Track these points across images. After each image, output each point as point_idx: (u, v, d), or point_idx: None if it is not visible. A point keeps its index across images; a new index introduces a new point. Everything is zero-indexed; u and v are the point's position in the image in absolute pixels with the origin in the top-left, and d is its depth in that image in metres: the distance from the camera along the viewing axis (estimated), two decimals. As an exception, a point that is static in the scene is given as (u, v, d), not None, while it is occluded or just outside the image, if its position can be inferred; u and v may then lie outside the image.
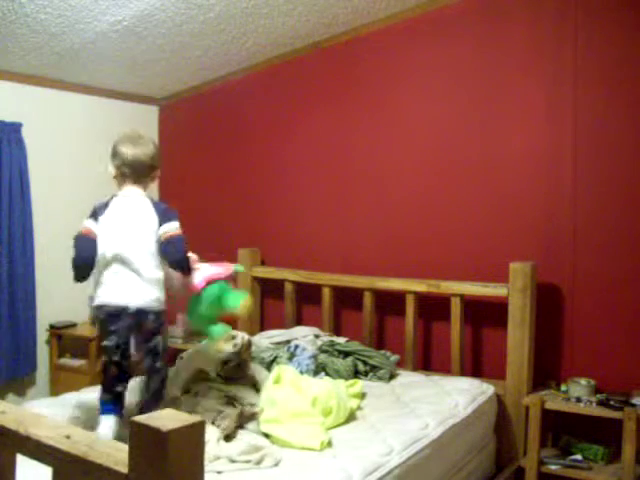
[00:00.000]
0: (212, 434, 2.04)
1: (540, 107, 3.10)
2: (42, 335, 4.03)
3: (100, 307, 2.12)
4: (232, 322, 4.03)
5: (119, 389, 2.14)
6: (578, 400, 2.73)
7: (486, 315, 3.26)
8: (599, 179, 2.95)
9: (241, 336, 2.87)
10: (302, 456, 2.04)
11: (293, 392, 2.44)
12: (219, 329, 2.25)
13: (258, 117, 4.19)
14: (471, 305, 3.23)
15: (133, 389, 2.25)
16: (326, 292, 3.66)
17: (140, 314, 2.09)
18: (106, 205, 2.18)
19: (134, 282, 2.10)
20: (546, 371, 3.06)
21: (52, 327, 4.01)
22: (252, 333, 3.66)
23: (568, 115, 3.02)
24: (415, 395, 2.79)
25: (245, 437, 2.17)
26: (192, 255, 2.20)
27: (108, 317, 2.10)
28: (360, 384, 2.76)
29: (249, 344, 2.87)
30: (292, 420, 2.23)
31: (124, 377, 2.17)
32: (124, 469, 0.82)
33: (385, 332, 3.61)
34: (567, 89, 3.02)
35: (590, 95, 2.96)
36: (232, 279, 2.27)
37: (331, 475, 1.90)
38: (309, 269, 3.78)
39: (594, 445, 2.77)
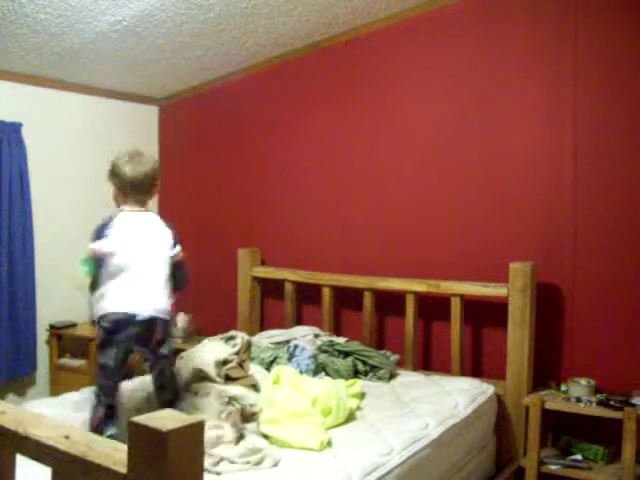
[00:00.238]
0: (226, 435, 2.04)
1: (540, 108, 3.10)
2: (42, 335, 4.03)
3: (106, 316, 2.09)
4: (232, 322, 4.05)
5: (116, 400, 2.16)
6: (578, 400, 2.73)
7: (486, 315, 3.26)
8: (599, 179, 2.95)
9: (241, 336, 2.87)
10: (302, 456, 2.04)
11: (293, 392, 2.44)
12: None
13: (258, 117, 4.19)
14: (471, 305, 3.23)
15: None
16: (326, 292, 3.66)
17: (150, 322, 2.09)
18: (110, 220, 2.18)
19: (146, 291, 2.12)
20: (546, 371, 3.06)
21: (52, 327, 4.01)
22: (252, 333, 3.67)
23: (568, 116, 3.02)
24: (415, 395, 2.78)
25: (245, 438, 2.17)
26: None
27: (115, 326, 2.07)
28: (360, 384, 2.76)
29: (249, 344, 2.87)
30: (292, 420, 2.23)
31: (118, 388, 2.19)
32: (123, 469, 0.82)
33: (385, 332, 3.61)
34: (567, 90, 3.02)
35: (590, 96, 2.96)
36: None
37: (331, 475, 1.90)
38: (309, 269, 3.78)
39: (594, 445, 2.77)
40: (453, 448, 2.49)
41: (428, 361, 3.47)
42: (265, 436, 2.19)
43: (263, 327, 4.03)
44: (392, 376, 3.09)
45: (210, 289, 4.37)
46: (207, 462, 1.87)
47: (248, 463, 1.93)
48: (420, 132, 3.49)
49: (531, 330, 2.94)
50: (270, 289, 4.04)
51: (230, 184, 4.35)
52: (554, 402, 2.77)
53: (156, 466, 0.79)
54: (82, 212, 4.12)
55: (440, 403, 2.66)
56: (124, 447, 0.85)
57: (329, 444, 2.15)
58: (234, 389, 2.40)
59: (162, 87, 4.48)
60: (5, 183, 3.74)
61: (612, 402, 2.65)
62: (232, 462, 1.92)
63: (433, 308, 3.40)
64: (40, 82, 3.97)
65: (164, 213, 4.54)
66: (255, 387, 2.57)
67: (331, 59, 3.82)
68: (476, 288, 3.09)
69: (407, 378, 3.09)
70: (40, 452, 0.92)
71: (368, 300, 3.49)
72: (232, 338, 2.88)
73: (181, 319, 4.20)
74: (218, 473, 1.89)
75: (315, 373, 2.93)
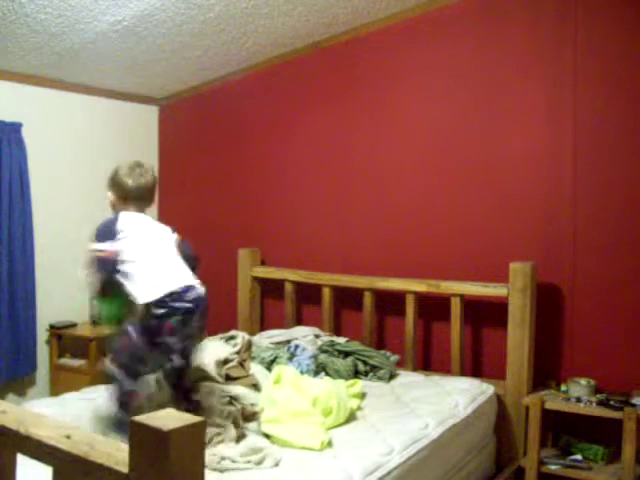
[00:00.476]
0: (228, 435, 2.04)
1: (540, 107, 3.10)
2: (42, 335, 4.03)
3: (164, 298, 2.06)
4: (232, 322, 4.04)
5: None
6: (578, 400, 2.73)
7: (486, 315, 3.26)
8: (599, 179, 2.95)
9: (241, 336, 2.87)
10: (302, 456, 2.04)
11: (293, 392, 2.45)
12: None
13: (258, 117, 4.19)
14: (471, 305, 3.23)
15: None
16: (326, 292, 3.66)
17: (205, 299, 2.17)
18: (116, 217, 2.19)
19: (182, 268, 2.19)
20: (546, 371, 3.06)
21: (52, 327, 4.01)
22: (252, 333, 3.67)
23: (568, 116, 3.02)
24: (415, 395, 2.78)
25: (246, 438, 2.17)
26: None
27: (180, 303, 2.07)
28: (360, 384, 2.76)
29: (249, 344, 2.88)
30: (292, 420, 2.23)
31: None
32: (125, 469, 0.82)
33: (385, 332, 3.61)
34: (567, 90, 3.02)
35: (590, 96, 2.96)
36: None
37: (331, 475, 1.90)
38: (309, 269, 3.78)
39: (594, 445, 2.77)
40: (453, 448, 2.49)
41: (428, 361, 3.47)
42: (266, 436, 2.19)
43: (263, 327, 4.03)
44: (392, 376, 3.09)
45: (210, 289, 4.34)
46: (208, 461, 1.87)
47: (249, 462, 1.93)
48: (420, 132, 3.49)
49: (531, 330, 2.94)
50: (270, 289, 4.04)
51: (230, 184, 4.35)
52: (554, 402, 2.77)
53: (158, 466, 0.79)
54: (82, 212, 4.12)
55: (440, 403, 2.66)
56: (125, 447, 0.85)
57: (330, 444, 2.15)
58: (235, 389, 2.41)
59: (162, 87, 4.48)
60: (5, 183, 3.73)
61: (612, 402, 2.65)
62: (233, 461, 1.92)
63: (433, 308, 3.40)
64: (40, 82, 3.97)
65: (164, 213, 4.54)
66: (256, 387, 2.58)
67: (331, 59, 3.82)
68: (476, 288, 3.09)
69: (407, 378, 3.09)
70: (41, 452, 0.92)
71: (368, 300, 3.49)
72: (233, 338, 2.88)
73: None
74: (220, 472, 1.89)
75: (315, 373, 2.93)
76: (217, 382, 2.48)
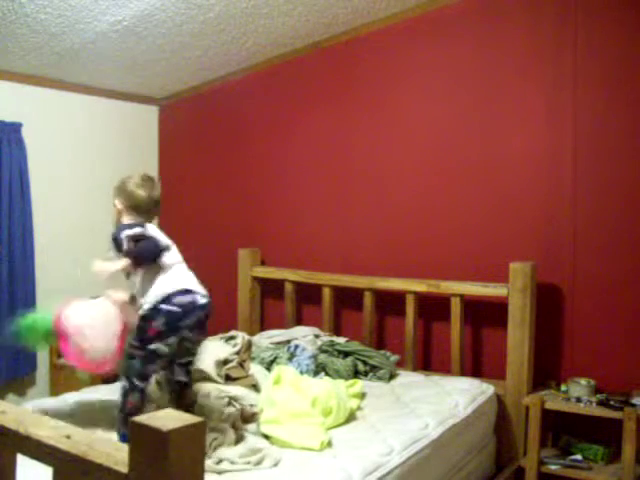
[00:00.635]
0: (226, 438, 2.04)
1: (540, 108, 3.10)
2: (42, 335, 4.03)
3: (172, 297, 2.09)
4: (231, 322, 4.04)
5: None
6: (578, 400, 2.73)
7: (486, 315, 3.26)
8: (599, 179, 2.95)
9: (241, 336, 2.87)
10: (302, 456, 2.04)
11: (293, 392, 2.44)
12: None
13: (258, 117, 4.19)
14: (471, 305, 3.23)
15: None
16: (326, 292, 3.66)
17: (209, 309, 2.19)
18: (132, 224, 2.19)
19: (189, 274, 2.26)
20: (546, 371, 3.06)
21: (52, 328, 4.01)
22: (252, 333, 3.67)
23: (568, 116, 3.02)
24: (415, 395, 2.79)
25: (245, 439, 2.17)
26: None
27: (183, 310, 2.09)
28: (360, 384, 2.76)
29: (249, 344, 2.88)
30: (292, 420, 2.23)
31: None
32: (124, 469, 0.82)
33: (385, 332, 3.61)
34: (567, 90, 3.02)
35: (590, 96, 2.96)
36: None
37: (331, 475, 1.90)
38: (309, 269, 3.78)
39: (594, 445, 2.77)
40: (453, 448, 2.49)
41: (428, 361, 3.47)
42: (265, 436, 2.19)
43: (263, 327, 4.03)
44: (392, 376, 3.09)
45: (210, 289, 4.35)
46: (207, 462, 1.87)
47: (248, 463, 1.93)
48: (420, 132, 3.49)
49: (531, 330, 2.94)
50: (270, 289, 4.04)
51: (230, 184, 4.35)
52: (554, 402, 2.77)
53: (157, 466, 0.79)
54: (82, 212, 4.12)
55: (440, 403, 2.66)
56: (125, 447, 0.85)
57: (329, 444, 2.15)
58: (234, 389, 2.41)
59: (162, 87, 4.48)
60: (5, 183, 3.73)
61: (612, 402, 2.65)
62: (232, 462, 1.92)
63: (433, 308, 3.40)
64: (40, 82, 3.97)
65: (164, 213, 4.53)
66: (255, 387, 2.58)
67: (331, 59, 3.82)
68: (476, 288, 3.09)
69: (407, 378, 3.09)
70: (41, 452, 0.92)
71: (368, 300, 3.49)
72: (232, 338, 2.88)
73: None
74: (219, 473, 1.89)
75: (315, 373, 2.93)
76: (217, 382, 2.48)
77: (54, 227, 4.07)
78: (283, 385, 2.55)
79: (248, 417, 2.28)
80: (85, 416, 2.33)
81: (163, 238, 2.20)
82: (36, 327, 2.11)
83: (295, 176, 4.01)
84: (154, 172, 4.61)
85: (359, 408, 2.59)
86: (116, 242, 2.11)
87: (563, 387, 2.88)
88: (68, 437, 0.91)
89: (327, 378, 2.73)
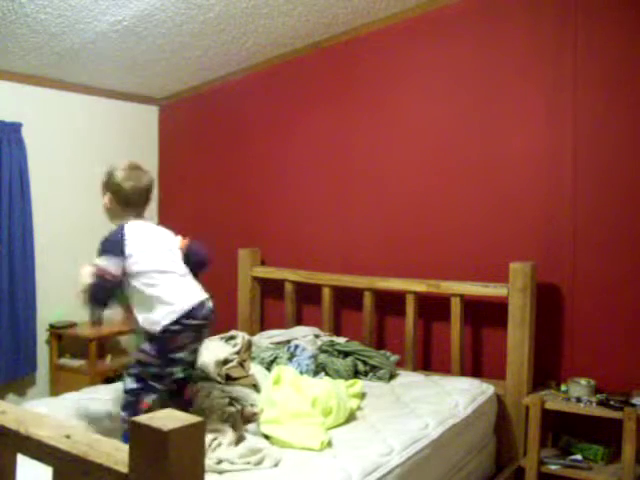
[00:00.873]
0: (226, 438, 2.04)
1: (540, 108, 3.10)
2: (42, 335, 4.03)
3: (191, 311, 2.06)
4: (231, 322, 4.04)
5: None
6: (578, 400, 2.73)
7: (486, 315, 3.26)
8: (599, 179, 2.95)
9: (241, 336, 2.87)
10: (302, 456, 2.04)
11: (293, 392, 2.44)
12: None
13: (258, 117, 4.19)
14: (471, 305, 3.23)
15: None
16: (326, 292, 3.66)
17: (212, 313, 2.15)
18: (122, 231, 2.11)
19: (192, 283, 2.17)
20: (546, 371, 3.06)
21: (52, 327, 4.01)
22: (252, 333, 3.67)
23: (568, 116, 3.02)
24: (415, 395, 2.78)
25: (246, 439, 2.17)
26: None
27: (202, 317, 2.08)
28: (360, 384, 2.76)
29: (249, 344, 2.88)
30: (292, 420, 2.23)
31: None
32: (124, 469, 0.82)
33: (385, 332, 3.61)
34: (567, 90, 3.02)
35: (590, 96, 2.96)
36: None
37: (331, 475, 1.90)
38: (309, 269, 3.78)
39: (594, 445, 2.77)
40: (453, 448, 2.49)
41: (428, 361, 3.47)
42: (266, 436, 2.19)
43: (263, 327, 4.03)
44: (392, 376, 3.09)
45: (210, 289, 4.35)
46: (208, 462, 1.87)
47: (248, 463, 1.93)
48: (420, 132, 3.49)
49: (531, 330, 2.94)
50: (270, 289, 4.04)
51: (230, 184, 4.35)
52: (554, 402, 2.77)
53: (157, 466, 0.79)
54: (82, 212, 4.12)
55: (440, 403, 2.66)
56: (125, 447, 0.85)
57: (329, 444, 2.15)
58: (235, 389, 2.41)
59: (162, 87, 4.48)
60: (5, 183, 3.73)
61: (612, 402, 2.65)
62: (232, 463, 1.92)
63: (433, 308, 3.40)
64: (40, 82, 3.97)
65: (164, 213, 4.55)
66: (255, 387, 2.58)
67: (331, 59, 3.82)
68: (476, 288, 3.09)
69: (407, 378, 3.09)
70: (41, 452, 0.92)
71: (368, 300, 3.49)
72: (233, 338, 2.88)
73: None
74: (219, 473, 1.89)
75: (315, 373, 2.93)
76: (217, 382, 2.48)
77: (54, 227, 4.07)
78: (283, 385, 2.55)
79: (248, 417, 2.28)
80: (85, 416, 2.33)
81: (146, 242, 2.11)
82: None
83: (295, 176, 4.01)
84: (154, 172, 4.61)
85: (359, 408, 2.59)
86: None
87: (563, 387, 2.89)
88: (68, 437, 0.91)
89: (327, 378, 2.73)
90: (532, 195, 3.13)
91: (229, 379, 2.55)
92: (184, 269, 2.18)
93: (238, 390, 2.41)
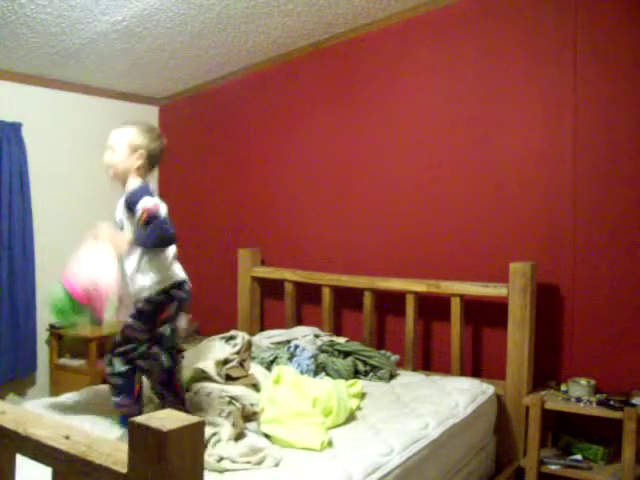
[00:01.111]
0: (225, 433, 2.04)
1: (540, 108, 3.10)
2: (42, 335, 4.03)
3: (182, 283, 2.13)
4: (231, 322, 4.04)
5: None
6: (578, 400, 2.73)
7: (486, 315, 3.26)
8: (599, 180, 2.95)
9: (241, 336, 2.87)
10: (302, 456, 2.04)
11: (293, 392, 2.44)
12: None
13: (258, 117, 4.19)
14: (471, 305, 3.23)
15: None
16: (326, 292, 3.66)
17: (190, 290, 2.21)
18: (149, 187, 2.14)
19: None
20: (546, 371, 3.06)
21: (52, 327, 4.01)
22: (252, 333, 3.67)
23: (568, 116, 3.02)
24: (415, 395, 2.78)
25: (246, 438, 2.17)
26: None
27: (188, 295, 2.14)
28: (360, 384, 2.76)
29: (249, 344, 2.88)
30: (292, 420, 2.23)
31: None
32: (123, 469, 0.82)
33: (385, 332, 3.61)
34: (567, 90, 3.01)
35: (590, 95, 2.96)
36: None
37: (331, 475, 1.90)
38: (309, 269, 3.78)
39: (594, 445, 2.77)
40: (453, 448, 2.49)
41: (428, 361, 3.47)
42: (266, 436, 2.19)
43: (263, 327, 4.03)
44: (392, 376, 3.09)
45: (210, 289, 4.37)
46: (207, 461, 1.87)
47: (249, 463, 1.93)
48: (420, 132, 3.49)
49: (531, 330, 2.94)
50: (270, 289, 4.04)
51: (230, 184, 4.35)
52: (554, 402, 2.77)
53: (156, 466, 0.79)
54: (82, 212, 4.11)
55: (440, 403, 2.66)
56: (124, 447, 0.85)
57: (330, 444, 2.15)
58: (235, 389, 2.41)
59: (162, 87, 4.48)
60: (5, 183, 3.74)
61: (612, 402, 2.65)
62: (233, 461, 1.92)
63: (433, 308, 3.40)
64: (40, 82, 3.97)
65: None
66: (255, 386, 2.57)
67: (331, 59, 3.82)
68: (476, 288, 3.09)
69: (407, 378, 3.09)
70: (40, 452, 0.92)
71: (368, 300, 3.49)
72: (232, 338, 2.88)
73: (181, 319, 4.20)
74: (219, 472, 1.89)
75: (315, 373, 2.93)
76: (217, 382, 2.48)
77: (54, 227, 4.07)
78: (283, 385, 2.55)
79: (249, 416, 2.28)
80: (85, 416, 2.33)
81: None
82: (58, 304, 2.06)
83: (295, 176, 4.01)
84: (154, 172, 4.60)
85: (359, 408, 2.59)
86: (130, 208, 2.04)
87: (563, 387, 2.88)
88: (67, 437, 0.91)
89: (327, 378, 2.73)
90: (532, 195, 3.13)
91: (229, 379, 2.55)
92: None
93: (238, 390, 2.41)
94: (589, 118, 2.97)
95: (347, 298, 3.70)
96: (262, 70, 4.12)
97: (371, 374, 3.07)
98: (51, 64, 3.77)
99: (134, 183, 2.14)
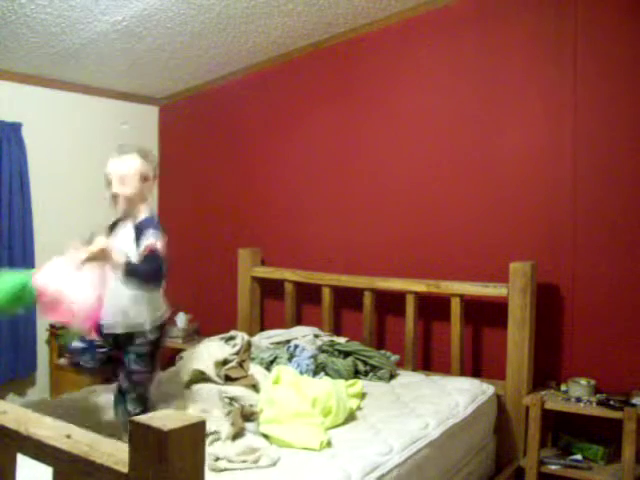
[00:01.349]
0: (223, 433, 2.04)
1: (540, 107, 3.10)
2: (42, 335, 4.03)
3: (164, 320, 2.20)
4: (231, 322, 4.04)
5: None
6: (578, 400, 2.73)
7: (486, 315, 3.26)
8: (599, 178, 2.95)
9: (241, 336, 2.87)
10: (301, 456, 2.04)
11: (293, 392, 2.44)
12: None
13: (258, 117, 4.19)
14: (471, 305, 3.23)
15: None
16: (326, 292, 3.66)
17: None
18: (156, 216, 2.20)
19: None
20: (546, 371, 3.06)
21: (52, 327, 4.01)
22: (252, 333, 3.67)
23: (568, 116, 3.02)
24: (415, 395, 2.79)
25: (243, 437, 2.17)
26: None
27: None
28: (360, 384, 2.76)
29: (249, 344, 2.88)
30: (292, 420, 2.23)
31: None
32: (124, 469, 0.82)
33: (385, 332, 3.61)
34: (567, 89, 3.02)
35: (590, 94, 2.96)
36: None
37: (330, 475, 1.90)
38: (309, 269, 3.78)
39: (594, 445, 2.77)
40: (453, 448, 2.49)
41: (428, 361, 3.47)
42: (265, 436, 2.19)
43: (263, 327, 4.03)
44: (392, 376, 3.09)
45: (210, 289, 4.37)
46: (207, 461, 1.87)
47: (245, 462, 1.93)
48: (420, 132, 3.49)
49: (531, 330, 2.94)
50: (270, 289, 4.04)
51: (230, 184, 4.35)
52: (554, 402, 2.77)
53: (157, 466, 0.79)
54: (82, 212, 4.11)
55: (440, 403, 2.66)
56: (125, 447, 0.85)
57: (329, 444, 2.15)
58: (234, 389, 2.41)
59: (162, 87, 4.48)
60: (5, 183, 3.73)
61: (612, 402, 2.65)
62: (230, 461, 1.92)
63: (433, 308, 3.40)
64: (40, 82, 3.97)
65: (164, 213, 4.54)
66: (255, 387, 2.57)
67: (331, 59, 3.82)
68: (476, 288, 3.09)
69: (407, 378, 3.09)
70: (41, 452, 0.92)
71: (368, 300, 3.49)
72: (232, 338, 2.88)
73: (181, 319, 4.20)
74: (217, 472, 1.89)
75: (315, 373, 2.93)
76: (216, 383, 2.48)
77: (54, 227, 4.06)
78: (283, 385, 2.55)
79: (248, 416, 2.28)
80: (85, 416, 2.33)
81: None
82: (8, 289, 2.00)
83: (295, 176, 4.01)
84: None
85: (359, 408, 2.59)
86: (138, 234, 2.06)
87: (563, 387, 2.88)
88: (68, 437, 0.91)
89: (327, 378, 2.73)
90: (532, 195, 3.13)
91: (228, 380, 2.55)
92: None
93: (237, 390, 2.41)
94: (589, 117, 2.97)
95: (347, 298, 3.70)
96: (262, 70, 4.12)
97: (371, 374, 3.07)
98: (51, 64, 3.77)
99: (144, 212, 2.16)
